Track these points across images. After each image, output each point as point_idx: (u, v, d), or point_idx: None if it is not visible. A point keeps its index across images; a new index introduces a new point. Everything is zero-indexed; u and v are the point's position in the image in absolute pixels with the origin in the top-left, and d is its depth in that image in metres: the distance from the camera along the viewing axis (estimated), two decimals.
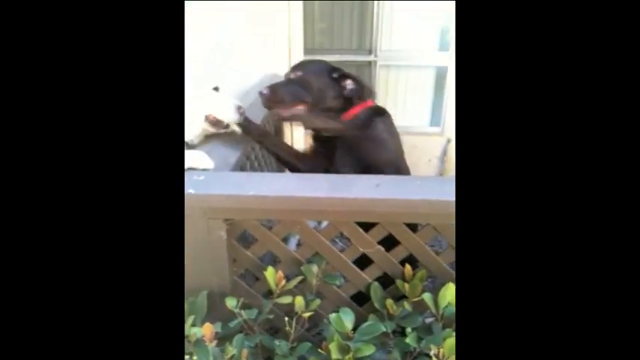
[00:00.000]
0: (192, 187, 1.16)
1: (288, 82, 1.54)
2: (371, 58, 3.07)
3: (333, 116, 1.52)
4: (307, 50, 2.94)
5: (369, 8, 3.00)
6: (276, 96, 1.48)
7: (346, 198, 1.14)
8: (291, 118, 1.56)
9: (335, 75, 1.51)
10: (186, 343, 1.10)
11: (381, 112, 1.57)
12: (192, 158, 1.28)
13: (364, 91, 1.52)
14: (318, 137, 1.62)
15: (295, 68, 1.57)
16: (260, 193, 1.15)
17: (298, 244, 2.20)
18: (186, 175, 1.20)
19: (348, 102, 1.52)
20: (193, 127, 1.46)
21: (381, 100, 3.17)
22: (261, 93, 1.50)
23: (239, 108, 1.49)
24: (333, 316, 1.08)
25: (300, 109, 1.50)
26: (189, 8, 2.67)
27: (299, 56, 2.85)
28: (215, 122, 1.48)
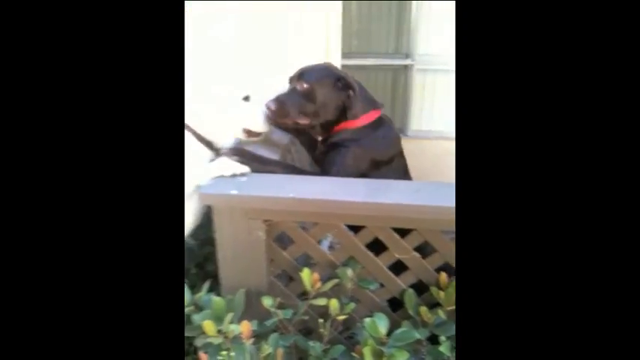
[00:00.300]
0: (235, 188, 1.20)
1: (293, 93, 1.49)
2: (407, 62, 3.05)
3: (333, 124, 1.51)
4: (344, 54, 2.95)
5: (407, 11, 2.98)
6: (282, 110, 1.45)
7: (384, 203, 1.15)
8: (295, 126, 1.51)
9: (339, 84, 1.48)
10: (223, 339, 1.14)
11: (384, 123, 1.54)
12: (227, 166, 1.31)
13: (365, 103, 1.49)
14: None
15: (300, 77, 1.50)
16: (299, 196, 1.18)
17: (330, 247, 2.22)
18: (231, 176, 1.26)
19: (348, 111, 1.49)
20: (227, 136, 1.52)
21: (416, 105, 3.16)
22: (267, 107, 1.46)
23: (268, 117, 1.50)
24: (367, 320, 1.10)
25: (305, 121, 1.49)
26: (220, 12, 2.71)
27: (336, 59, 2.87)
28: (249, 132, 1.53)
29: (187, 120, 1.44)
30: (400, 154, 1.56)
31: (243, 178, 1.27)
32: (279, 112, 1.44)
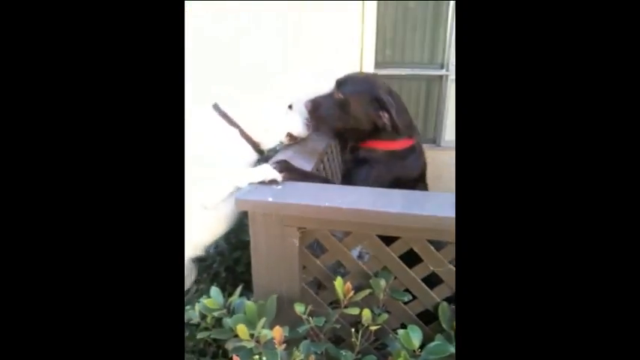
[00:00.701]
0: (271, 196, 1.22)
1: (330, 99, 1.54)
2: (442, 72, 3.03)
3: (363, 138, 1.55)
4: (378, 63, 2.96)
5: (442, 21, 2.97)
6: (316, 112, 1.56)
7: (420, 215, 1.15)
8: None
9: (376, 104, 1.48)
10: (254, 344, 1.16)
11: (415, 151, 1.56)
12: (265, 172, 1.33)
13: (398, 129, 1.48)
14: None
15: (339, 85, 1.54)
16: (334, 205, 1.19)
17: (359, 256, 2.22)
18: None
19: (378, 130, 1.50)
20: (272, 139, 1.68)
21: (450, 115, 3.12)
22: (305, 105, 1.59)
23: (307, 124, 1.69)
24: (401, 332, 1.09)
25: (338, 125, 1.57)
26: (259, 24, 2.77)
27: (370, 69, 2.88)
28: (291, 136, 1.71)
29: (237, 121, 1.58)
30: (423, 180, 1.59)
31: (279, 186, 1.29)
32: (313, 113, 1.56)
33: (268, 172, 1.31)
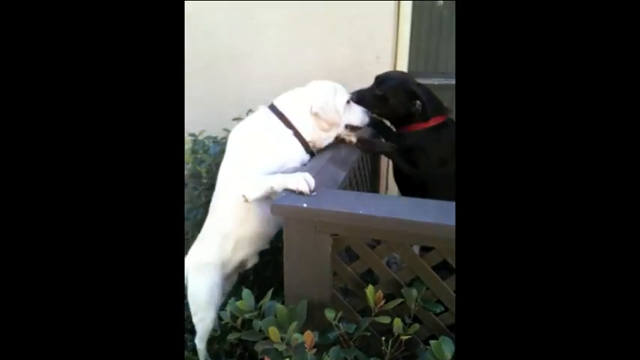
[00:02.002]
0: (305, 202, 1.24)
1: (371, 93, 1.89)
2: None
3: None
4: (411, 73, 2.95)
5: None
6: (360, 103, 1.85)
7: (454, 226, 1.14)
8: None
9: (409, 97, 1.83)
10: (285, 347, 1.17)
11: (448, 125, 1.87)
12: (296, 182, 1.34)
13: (427, 111, 1.82)
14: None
15: (380, 82, 1.91)
16: (368, 213, 1.19)
17: (387, 264, 2.21)
18: None
19: (412, 116, 1.86)
20: (329, 137, 1.77)
21: None
22: (350, 96, 1.82)
23: (367, 112, 1.84)
24: (433, 343, 1.08)
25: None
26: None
27: None
28: (351, 127, 1.83)
29: (295, 123, 1.66)
30: None
31: (314, 193, 1.30)
32: (358, 100, 1.84)
33: (300, 182, 1.32)
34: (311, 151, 1.72)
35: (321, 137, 1.72)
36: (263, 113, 1.68)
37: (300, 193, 1.31)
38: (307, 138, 1.67)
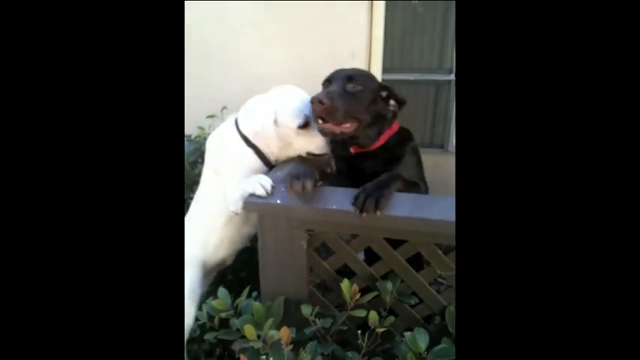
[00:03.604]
0: (279, 198, 1.23)
1: (345, 93, 1.42)
2: (451, 77, 3.03)
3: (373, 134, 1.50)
4: (385, 68, 2.97)
5: (450, 26, 2.98)
6: (332, 107, 1.36)
7: (427, 219, 1.15)
8: (340, 136, 1.43)
9: (383, 94, 1.49)
10: (261, 344, 1.17)
11: (410, 137, 1.59)
12: (253, 186, 1.33)
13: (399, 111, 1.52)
14: (347, 156, 1.57)
15: (351, 79, 1.44)
16: (342, 208, 1.20)
17: (364, 259, 2.22)
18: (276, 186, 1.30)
19: (383, 120, 1.51)
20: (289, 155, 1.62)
21: None
22: (319, 101, 1.35)
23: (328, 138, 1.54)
24: (408, 334, 1.09)
25: (348, 126, 1.42)
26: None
27: (377, 74, 2.89)
28: (313, 155, 1.59)
29: (252, 138, 1.57)
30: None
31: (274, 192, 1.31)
32: (330, 107, 1.35)
33: (255, 186, 1.32)
34: (272, 166, 1.64)
35: (283, 154, 1.61)
36: (229, 127, 1.63)
37: (259, 195, 1.31)
38: (269, 156, 1.61)
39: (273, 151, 1.58)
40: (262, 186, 1.31)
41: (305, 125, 1.50)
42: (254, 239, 1.75)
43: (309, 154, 1.58)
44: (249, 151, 1.58)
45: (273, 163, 1.63)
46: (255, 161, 1.59)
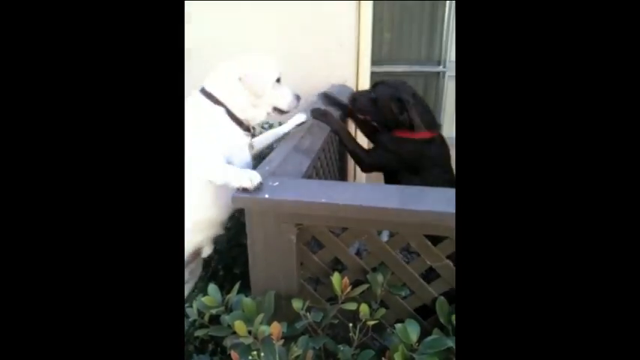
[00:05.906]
0: (267, 192, 1.22)
1: (366, 95, 2.00)
2: (439, 69, 3.04)
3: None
4: (374, 61, 2.96)
5: (439, 18, 2.97)
6: (354, 102, 2.02)
7: (416, 211, 1.15)
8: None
9: (398, 104, 1.87)
10: (252, 340, 1.16)
11: (435, 142, 1.92)
12: (237, 178, 1.28)
13: (413, 124, 1.85)
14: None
15: (374, 87, 2.00)
16: (331, 201, 1.19)
17: (357, 252, 2.22)
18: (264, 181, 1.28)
19: (400, 123, 1.90)
20: (259, 115, 1.70)
21: (448, 112, 3.13)
22: (352, 98, 2.02)
23: (298, 98, 1.75)
24: (399, 326, 1.09)
25: (367, 117, 2.03)
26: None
27: (366, 66, 2.88)
28: (279, 111, 1.75)
29: (223, 99, 1.61)
30: (441, 166, 1.94)
31: (276, 183, 1.28)
32: (351, 102, 2.02)
33: (242, 179, 1.26)
34: (248, 128, 1.69)
35: (253, 113, 1.67)
36: (195, 98, 1.63)
37: (245, 190, 1.25)
38: (239, 114, 1.62)
39: (242, 107, 1.63)
40: (250, 180, 1.27)
41: (278, 80, 1.67)
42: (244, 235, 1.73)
43: (275, 109, 1.73)
44: (220, 110, 1.59)
45: (244, 122, 1.65)
46: (228, 122, 1.60)
